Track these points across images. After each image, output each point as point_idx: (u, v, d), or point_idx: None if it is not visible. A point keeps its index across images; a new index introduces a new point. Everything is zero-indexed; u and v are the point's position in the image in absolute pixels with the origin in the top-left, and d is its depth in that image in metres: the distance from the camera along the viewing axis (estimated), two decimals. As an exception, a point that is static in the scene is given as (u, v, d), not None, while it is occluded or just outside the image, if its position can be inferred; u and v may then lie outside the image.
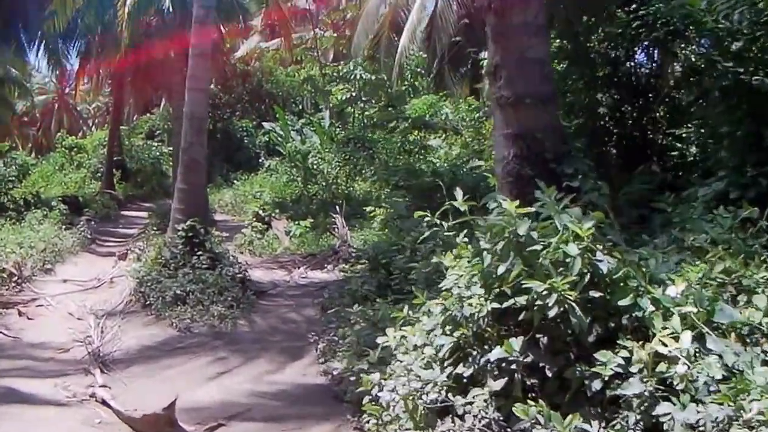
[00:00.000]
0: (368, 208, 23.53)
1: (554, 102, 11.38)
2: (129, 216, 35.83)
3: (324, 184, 30.64)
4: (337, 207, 23.57)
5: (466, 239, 8.12)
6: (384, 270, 14.54)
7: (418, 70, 35.17)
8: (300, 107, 45.98)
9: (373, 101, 34.97)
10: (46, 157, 50.30)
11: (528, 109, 10.41)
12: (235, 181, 39.74)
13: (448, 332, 7.53)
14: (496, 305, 7.00)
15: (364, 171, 30.87)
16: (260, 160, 42.12)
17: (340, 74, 35.15)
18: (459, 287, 7.52)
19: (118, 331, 13.75)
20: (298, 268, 19.81)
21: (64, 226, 24.96)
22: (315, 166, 31.03)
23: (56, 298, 16.72)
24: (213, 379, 11.21)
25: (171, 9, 32.68)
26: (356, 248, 20.18)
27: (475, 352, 7.16)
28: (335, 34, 47.75)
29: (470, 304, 7.17)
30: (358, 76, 33.09)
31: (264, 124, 42.20)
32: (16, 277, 17.37)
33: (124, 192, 42.45)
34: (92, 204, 34.20)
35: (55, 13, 30.15)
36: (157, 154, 47.95)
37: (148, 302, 15.14)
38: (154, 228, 23.86)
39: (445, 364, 7.38)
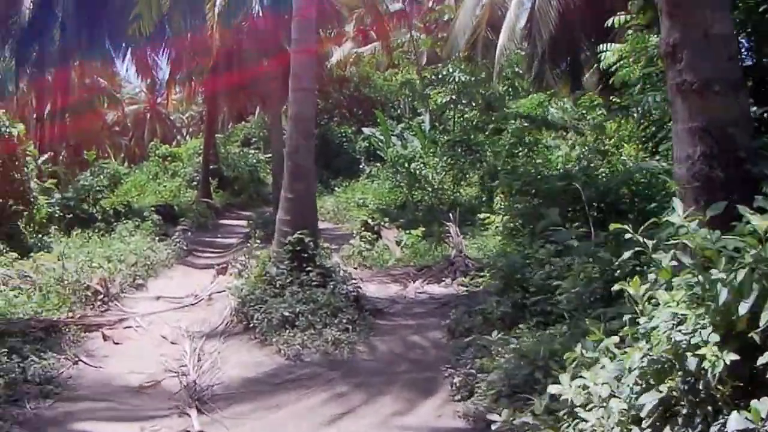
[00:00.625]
0: (482, 215, 21.93)
1: (744, 88, 8.98)
2: (227, 225, 34.29)
3: (430, 189, 28.92)
4: (450, 215, 21.77)
5: (674, 262, 6.11)
6: (519, 288, 12.37)
7: (517, 69, 33.77)
8: (398, 112, 44.19)
9: (473, 103, 32.71)
10: (140, 167, 49.05)
11: (716, 98, 8.11)
12: (335, 188, 38.22)
13: (650, 383, 5.77)
14: (735, 357, 5.12)
15: (469, 175, 29.35)
16: (360, 166, 40.25)
17: (438, 77, 33.47)
18: (679, 330, 5.60)
19: (218, 358, 12.02)
20: (414, 281, 17.77)
21: (157, 237, 23.37)
22: (419, 172, 29.21)
23: (147, 318, 15.00)
24: (332, 423, 9.31)
25: (260, 12, 31.64)
26: (474, 259, 18.53)
27: (695, 416, 5.38)
28: (429, 36, 46.64)
29: (698, 355, 5.28)
30: (456, 78, 31.25)
31: (364, 129, 40.72)
32: (102, 296, 15.53)
33: (221, 200, 41.17)
34: (188, 213, 32.95)
35: (140, 16, 28.36)
36: (254, 161, 47.13)
37: (251, 324, 13.30)
38: (256, 239, 21.88)
39: (645, 425, 5.67)
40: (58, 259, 16.74)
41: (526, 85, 34.19)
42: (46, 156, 28.85)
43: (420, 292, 16.80)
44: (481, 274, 15.74)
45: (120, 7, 30.64)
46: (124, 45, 35.28)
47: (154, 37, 33.93)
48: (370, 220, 22.79)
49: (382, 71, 48.33)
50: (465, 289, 15.91)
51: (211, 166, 41.96)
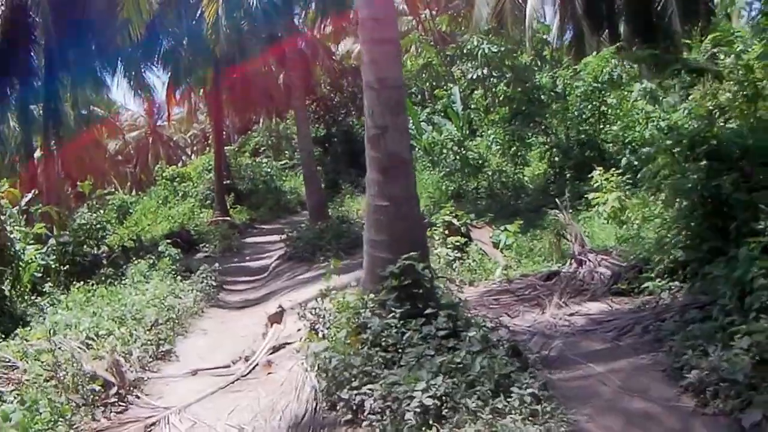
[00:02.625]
0: (591, 195, 17.11)
1: None
2: (253, 244, 29.17)
3: (490, 173, 24.01)
4: (557, 200, 16.42)
5: None
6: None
7: (545, 37, 30.65)
8: (419, 97, 38.61)
9: (505, 76, 27.91)
10: (147, 193, 44.52)
11: None
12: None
13: None
14: None
15: (534, 150, 24.36)
16: None
17: (464, 51, 29.28)
18: None
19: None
20: (549, 298, 11.94)
21: (179, 276, 17.69)
22: (472, 154, 24.68)
23: (185, 412, 9.33)
24: None
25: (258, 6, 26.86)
26: (603, 252, 13.39)
27: None
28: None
29: None
30: (485, 51, 27.00)
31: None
32: (116, 388, 9.93)
33: (241, 217, 36.12)
34: (208, 237, 27.92)
35: (129, 21, 23.11)
36: (268, 170, 42.96)
37: (357, 417, 7.80)
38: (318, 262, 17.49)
39: None
40: (50, 336, 11.33)
41: (558, 53, 31.26)
42: (30, 195, 23.07)
43: (570, 314, 11.17)
44: (646, 276, 11.32)
45: (105, 18, 25.74)
46: (116, 61, 30.25)
47: (146, 47, 29.19)
48: (453, 220, 16.88)
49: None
50: (639, 302, 10.86)
51: (224, 182, 36.87)
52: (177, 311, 14.74)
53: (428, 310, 8.83)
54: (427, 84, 39.17)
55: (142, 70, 32.99)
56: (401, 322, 8.79)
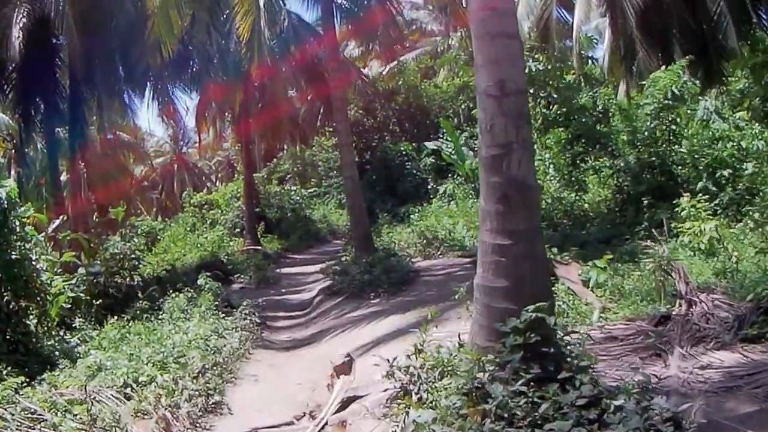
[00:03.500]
0: (682, 225, 15.18)
1: None
2: (288, 275, 27.29)
3: (549, 200, 21.95)
4: (653, 230, 15.15)
5: None
6: None
7: (589, 55, 29.27)
8: (456, 120, 36.47)
9: (553, 95, 25.79)
10: (175, 219, 42.73)
11: None
12: (410, 216, 30.12)
13: None
14: None
15: (598, 175, 22.07)
16: (429, 187, 32.35)
17: None
18: None
19: None
20: (670, 348, 9.86)
21: (221, 312, 15.87)
22: None
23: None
24: None
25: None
26: (721, 291, 11.57)
27: None
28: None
29: None
30: (531, 69, 24.55)
31: (426, 144, 33.36)
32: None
33: (271, 246, 34.48)
34: (242, 267, 26.29)
35: (160, 40, 21.76)
36: (297, 198, 41.13)
37: None
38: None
39: None
40: (84, 384, 9.56)
41: (607, 69, 27.63)
42: (58, 221, 21.21)
43: (701, 367, 9.10)
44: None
45: (134, 36, 24.52)
46: (144, 81, 29.01)
47: (176, 67, 27.81)
48: None
49: (429, 79, 41.50)
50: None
51: (254, 209, 35.57)
52: (223, 356, 12.94)
53: (563, 374, 6.93)
54: (463, 106, 36.94)
55: (170, 92, 31.92)
56: (530, 388, 6.83)
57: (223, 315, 15.77)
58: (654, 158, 19.68)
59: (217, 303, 16.53)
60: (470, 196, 27.41)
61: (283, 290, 23.71)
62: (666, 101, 19.45)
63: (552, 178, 22.74)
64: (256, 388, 12.12)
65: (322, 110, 40.37)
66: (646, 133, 19.88)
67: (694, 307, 11.01)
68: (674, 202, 16.39)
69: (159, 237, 33.99)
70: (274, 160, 51.49)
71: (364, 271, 19.20)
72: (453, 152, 30.45)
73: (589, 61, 29.19)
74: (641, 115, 20.09)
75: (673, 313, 11.07)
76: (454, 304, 13.26)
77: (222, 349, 13.07)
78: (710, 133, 19.27)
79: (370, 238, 22.99)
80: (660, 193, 18.37)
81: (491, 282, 8.30)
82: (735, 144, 18.41)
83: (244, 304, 16.82)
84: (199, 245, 31.21)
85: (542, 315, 7.15)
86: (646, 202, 18.58)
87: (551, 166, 22.81)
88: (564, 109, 23.12)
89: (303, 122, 43.21)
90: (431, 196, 31.47)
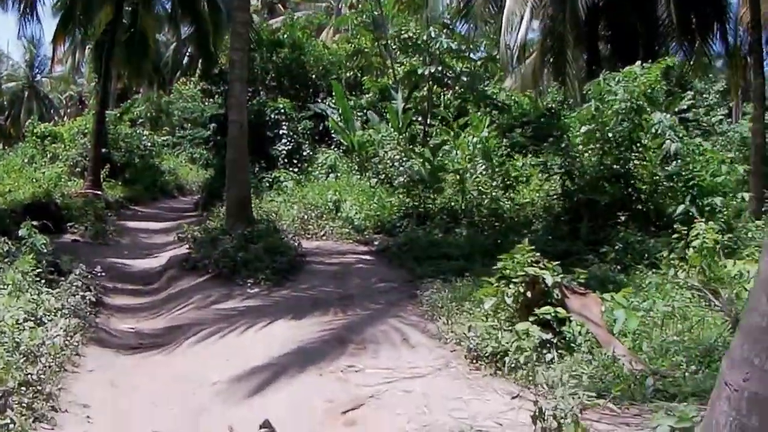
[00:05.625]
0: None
1: None
2: (131, 230, 22.75)
3: (476, 194, 17.98)
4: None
5: None
6: None
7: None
8: (345, 86, 31.55)
9: (463, 78, 24.54)
10: (14, 149, 38.89)
11: None
12: (283, 183, 25.07)
13: None
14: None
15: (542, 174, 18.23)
16: (305, 153, 27.30)
17: (414, 43, 25.47)
18: None
19: None
20: None
21: (43, 281, 10.76)
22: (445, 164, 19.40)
23: None
24: None
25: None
26: None
27: None
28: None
29: None
30: (444, 45, 23.28)
31: (310, 105, 28.84)
32: None
33: (113, 193, 30.42)
34: (79, 214, 21.24)
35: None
36: (148, 144, 37.85)
37: None
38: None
39: None
40: None
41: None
42: None
43: None
44: None
45: None
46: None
47: None
48: (546, 274, 8.66)
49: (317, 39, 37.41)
50: None
51: (101, 149, 30.66)
52: (40, 362, 7.74)
53: None
54: (351, 73, 33.02)
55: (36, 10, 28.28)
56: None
57: (47, 286, 10.60)
58: (617, 166, 15.73)
59: (40, 268, 11.24)
60: (354, 171, 24.01)
61: (126, 252, 18.64)
62: (638, 103, 15.56)
63: (478, 165, 18.42)
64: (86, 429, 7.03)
65: (189, 50, 36.15)
66: (609, 135, 15.86)
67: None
68: (674, 227, 11.96)
69: (-8, 164, 29.05)
70: (128, 101, 45.84)
71: (239, 246, 14.29)
72: (341, 119, 25.89)
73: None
74: (607, 113, 15.87)
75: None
76: (373, 314, 9.88)
77: (39, 350, 7.91)
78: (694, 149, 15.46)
79: (249, 204, 17.47)
80: (622, 207, 14.48)
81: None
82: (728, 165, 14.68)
83: (77, 273, 11.70)
84: (34, 180, 26.39)
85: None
86: (623, 218, 14.51)
87: (478, 154, 18.56)
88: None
89: (165, 68, 39.06)
90: (306, 164, 26.63)
